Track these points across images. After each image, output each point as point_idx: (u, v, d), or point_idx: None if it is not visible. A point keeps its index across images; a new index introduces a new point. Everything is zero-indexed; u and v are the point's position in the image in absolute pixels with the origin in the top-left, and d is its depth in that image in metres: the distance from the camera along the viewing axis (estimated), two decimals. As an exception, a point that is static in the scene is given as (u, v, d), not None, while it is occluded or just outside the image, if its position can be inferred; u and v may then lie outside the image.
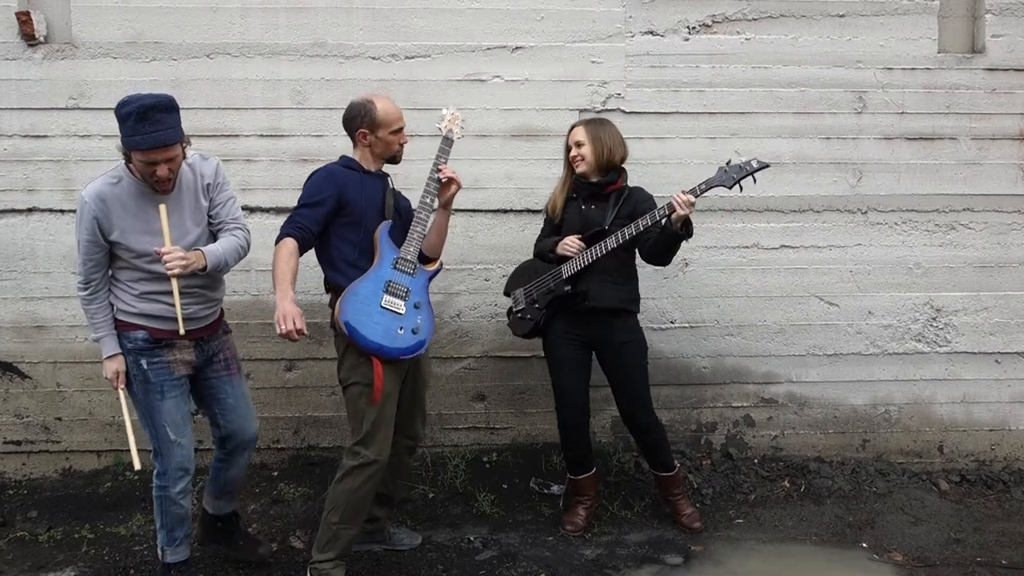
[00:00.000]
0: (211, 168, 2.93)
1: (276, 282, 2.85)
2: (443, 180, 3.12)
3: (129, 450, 2.83)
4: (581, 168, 3.41)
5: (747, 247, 4.10)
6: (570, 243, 3.36)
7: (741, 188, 3.26)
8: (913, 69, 4.07)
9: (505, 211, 4.04)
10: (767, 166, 3.25)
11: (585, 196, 3.45)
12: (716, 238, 4.08)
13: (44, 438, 4.00)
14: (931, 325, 4.16)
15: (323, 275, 3.11)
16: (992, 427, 4.20)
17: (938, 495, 3.92)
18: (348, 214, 3.00)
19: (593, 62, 4.01)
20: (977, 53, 4.10)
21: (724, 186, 3.23)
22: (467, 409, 4.11)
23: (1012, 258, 4.15)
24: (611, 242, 3.27)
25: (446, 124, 3.22)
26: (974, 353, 4.17)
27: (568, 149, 3.47)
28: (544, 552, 3.36)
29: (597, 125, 3.45)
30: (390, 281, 2.98)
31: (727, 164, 3.26)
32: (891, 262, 4.13)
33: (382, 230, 3.04)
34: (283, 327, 2.76)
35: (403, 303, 2.99)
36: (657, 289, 4.06)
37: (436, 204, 3.14)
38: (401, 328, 2.97)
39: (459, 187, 3.15)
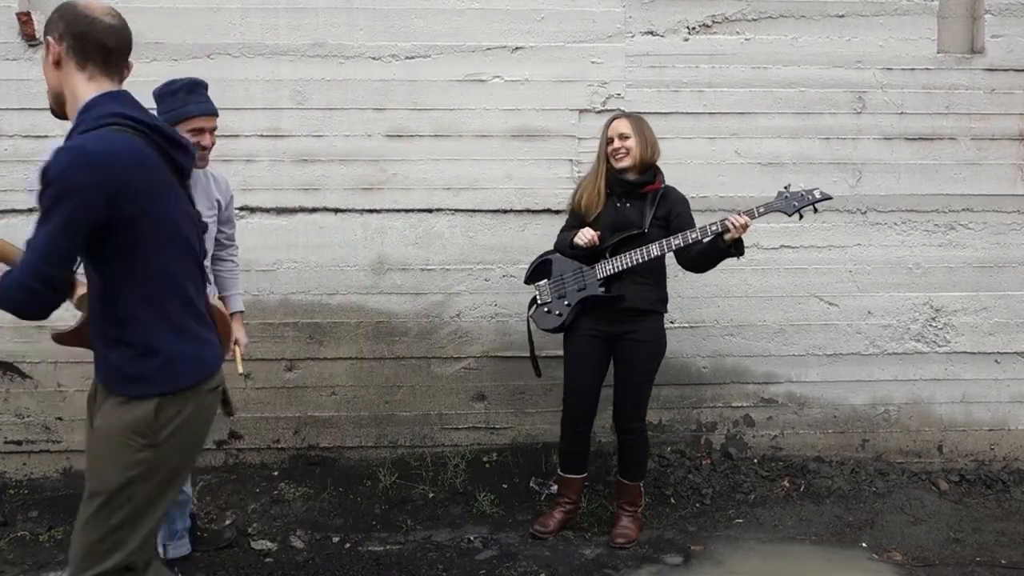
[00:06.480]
0: (228, 183, 3.18)
1: None
2: None
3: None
4: (625, 162, 3.29)
5: (747, 247, 4.08)
6: (585, 233, 3.26)
7: (801, 217, 3.21)
8: (913, 69, 4.07)
9: (505, 211, 4.04)
10: (830, 198, 3.17)
11: (620, 193, 3.34)
12: (716, 238, 4.09)
13: (45, 438, 4.00)
14: (930, 325, 4.16)
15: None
16: (992, 427, 4.20)
17: (937, 495, 3.92)
18: None
19: (593, 62, 4.01)
20: (977, 53, 4.10)
21: (784, 213, 3.17)
22: (467, 409, 4.11)
23: (1012, 258, 4.15)
24: (655, 249, 3.19)
25: None
26: (973, 353, 4.17)
27: (608, 141, 3.33)
28: (544, 552, 3.36)
29: (639, 119, 3.35)
30: None
31: (787, 189, 3.18)
32: (891, 262, 4.13)
33: None
34: None
35: None
36: (657, 289, 4.06)
37: None
38: None
39: None
